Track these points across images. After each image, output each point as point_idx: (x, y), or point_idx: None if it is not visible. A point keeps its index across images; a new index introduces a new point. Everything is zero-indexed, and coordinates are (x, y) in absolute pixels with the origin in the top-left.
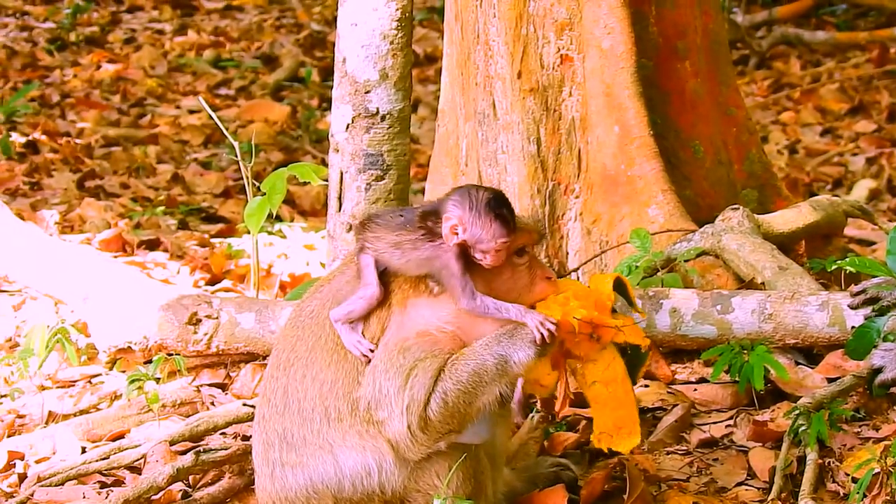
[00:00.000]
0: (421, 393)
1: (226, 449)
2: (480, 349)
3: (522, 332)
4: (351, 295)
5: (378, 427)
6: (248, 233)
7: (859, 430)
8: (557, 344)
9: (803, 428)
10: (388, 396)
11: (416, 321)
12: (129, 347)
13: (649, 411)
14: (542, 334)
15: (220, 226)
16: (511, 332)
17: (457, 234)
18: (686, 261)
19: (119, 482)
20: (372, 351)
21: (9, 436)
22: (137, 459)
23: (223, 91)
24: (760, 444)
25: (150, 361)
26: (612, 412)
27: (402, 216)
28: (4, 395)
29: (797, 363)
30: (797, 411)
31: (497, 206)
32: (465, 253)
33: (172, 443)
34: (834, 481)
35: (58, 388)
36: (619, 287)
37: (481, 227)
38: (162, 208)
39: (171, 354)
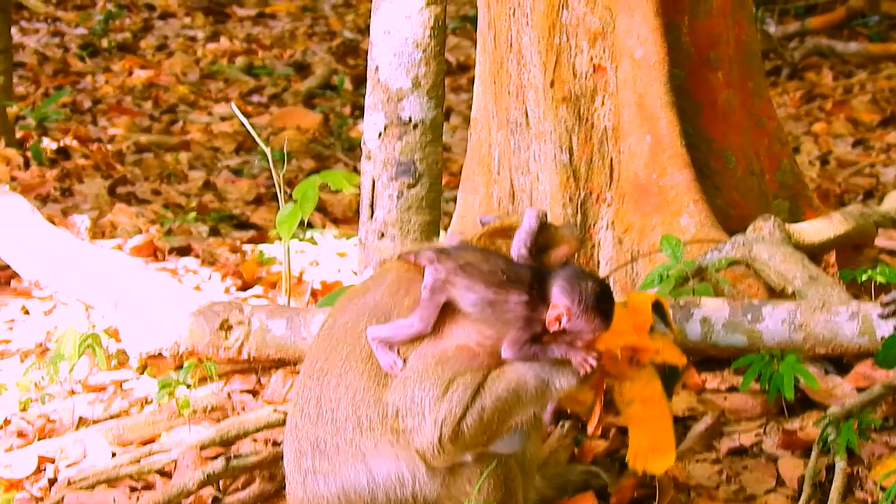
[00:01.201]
0: (459, 408)
1: (256, 454)
2: (523, 369)
3: (568, 355)
4: (394, 311)
5: (405, 435)
6: (280, 240)
7: (888, 439)
8: (599, 372)
9: (832, 437)
10: (421, 406)
11: (455, 334)
12: (160, 353)
13: (679, 420)
14: (585, 370)
15: (251, 232)
16: (557, 354)
17: (559, 322)
18: (717, 270)
19: (149, 486)
20: None
21: (39, 440)
22: (168, 464)
23: (255, 98)
24: (790, 452)
25: (180, 367)
26: (649, 432)
27: (504, 273)
28: (35, 400)
29: (827, 372)
30: (826, 420)
31: (605, 302)
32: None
33: (203, 448)
34: (862, 489)
35: (88, 392)
36: (657, 308)
37: (586, 322)
38: (193, 215)
39: (202, 360)
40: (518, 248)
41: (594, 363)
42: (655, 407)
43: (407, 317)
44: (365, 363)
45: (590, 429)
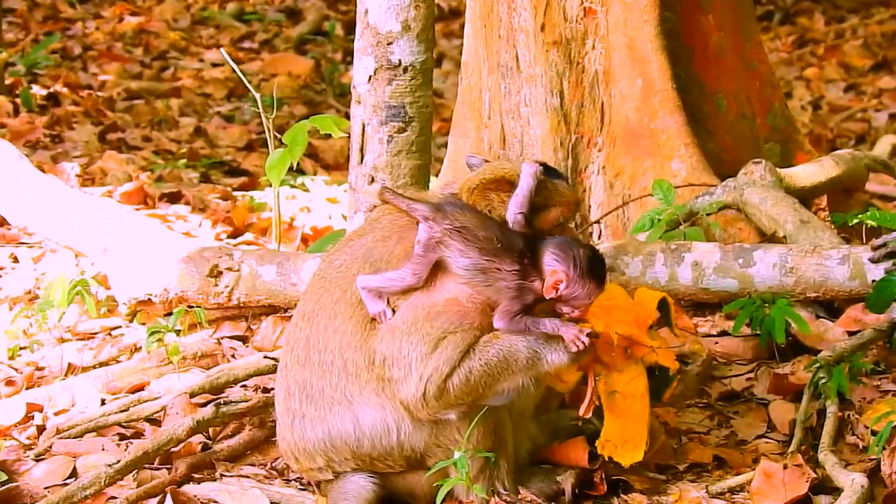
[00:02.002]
0: (446, 366)
1: (246, 401)
2: (516, 339)
3: (564, 331)
4: (385, 258)
5: (390, 385)
6: (270, 186)
7: (879, 383)
8: (591, 352)
9: (823, 381)
10: (409, 360)
11: (446, 289)
12: (150, 300)
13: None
14: (577, 347)
15: (242, 179)
16: (554, 328)
17: (557, 289)
18: (708, 214)
19: (138, 434)
20: None
21: (28, 388)
22: (157, 412)
23: (246, 44)
24: (781, 397)
25: (170, 314)
26: (623, 424)
27: (498, 242)
28: (24, 348)
29: (818, 316)
30: (817, 364)
31: (598, 266)
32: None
33: (192, 395)
34: (853, 434)
35: (77, 340)
36: (662, 306)
37: (581, 287)
38: (184, 161)
39: (192, 307)
40: (515, 211)
41: (586, 341)
42: (636, 403)
43: (398, 268)
44: (354, 308)
45: (581, 410)
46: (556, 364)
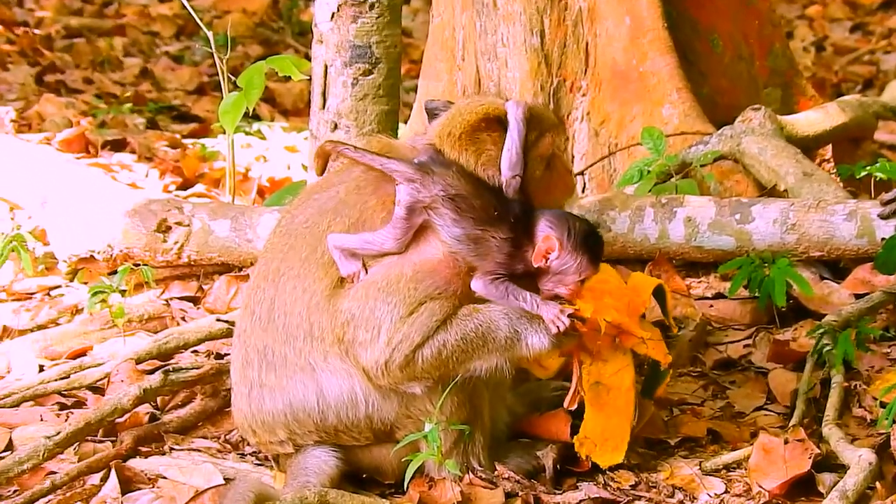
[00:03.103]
0: (418, 335)
1: (197, 368)
2: (497, 315)
3: (547, 312)
4: (359, 212)
5: (352, 347)
6: (223, 133)
7: (889, 350)
8: (576, 339)
9: (828, 348)
10: (379, 321)
11: (428, 248)
12: (92, 257)
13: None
14: (557, 328)
15: (192, 125)
16: (537, 307)
17: (548, 258)
18: (702, 165)
19: (80, 404)
20: None
21: None
22: (100, 379)
23: None
24: (781, 365)
25: (114, 272)
26: (605, 419)
27: (495, 210)
28: None
29: (822, 277)
30: (821, 330)
31: (594, 241)
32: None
33: (139, 361)
34: (860, 406)
35: (13, 300)
36: (658, 294)
37: (573, 260)
38: (129, 106)
39: (138, 265)
40: (509, 173)
41: (567, 322)
42: (620, 398)
43: (374, 225)
44: (326, 268)
45: (566, 401)
46: (537, 348)
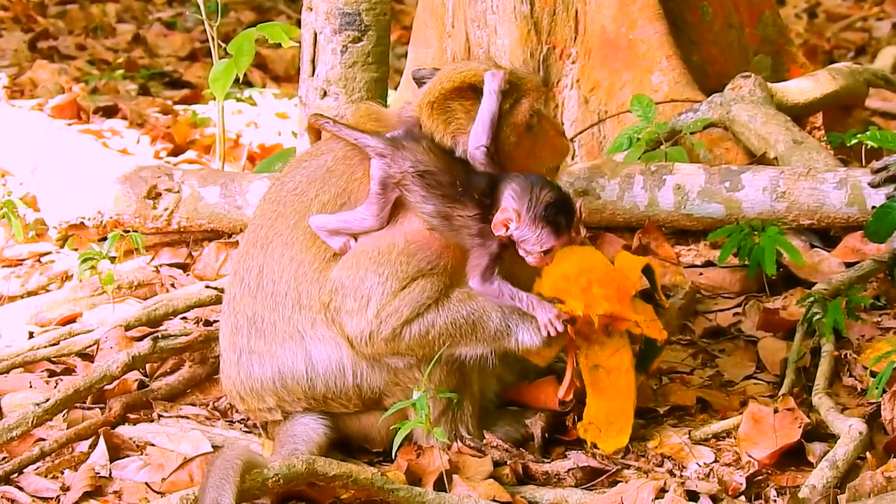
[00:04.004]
0: (407, 310)
1: (186, 335)
2: (490, 307)
3: (540, 311)
4: (346, 181)
5: (339, 315)
6: (214, 99)
7: (879, 319)
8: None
9: (818, 317)
10: (369, 292)
11: (414, 219)
12: (82, 223)
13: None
14: (549, 332)
15: (184, 91)
16: (529, 305)
17: (507, 227)
18: (692, 133)
19: (69, 370)
20: None
21: None
22: (90, 346)
23: None
24: (771, 334)
25: (104, 239)
26: (607, 403)
27: (460, 186)
28: None
29: (812, 246)
30: (811, 299)
31: (556, 212)
32: (506, 244)
33: (128, 328)
34: (851, 375)
35: (3, 267)
36: (647, 273)
37: (532, 231)
38: (121, 72)
39: (128, 231)
40: (475, 143)
41: (560, 327)
42: (620, 379)
43: (358, 204)
44: (314, 237)
45: (560, 393)
46: (527, 345)
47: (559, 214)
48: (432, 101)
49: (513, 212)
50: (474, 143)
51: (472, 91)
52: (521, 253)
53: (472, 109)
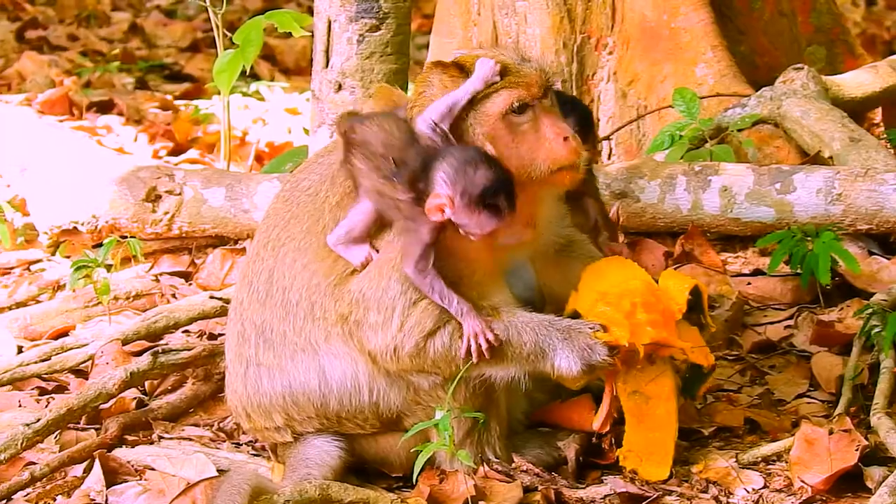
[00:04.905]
0: (429, 321)
1: (189, 349)
2: (522, 326)
3: (582, 337)
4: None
5: (360, 329)
6: (219, 93)
7: None
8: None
9: (877, 330)
10: (392, 302)
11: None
12: (75, 228)
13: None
14: (470, 345)
15: (185, 85)
16: (569, 330)
17: (442, 212)
18: (739, 130)
19: (62, 388)
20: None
21: None
22: (84, 361)
23: None
24: (825, 348)
25: (99, 245)
26: (647, 432)
27: (394, 165)
28: None
29: (870, 253)
30: (870, 310)
31: (493, 195)
32: (440, 232)
33: (125, 342)
34: None
35: None
36: (695, 294)
37: (469, 217)
38: (116, 64)
39: (125, 237)
40: (427, 115)
41: (602, 354)
42: (660, 407)
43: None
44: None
45: (596, 424)
46: (564, 372)
47: (496, 196)
48: (421, 73)
49: (445, 198)
50: (424, 115)
51: (456, 69)
52: (462, 233)
53: (450, 88)
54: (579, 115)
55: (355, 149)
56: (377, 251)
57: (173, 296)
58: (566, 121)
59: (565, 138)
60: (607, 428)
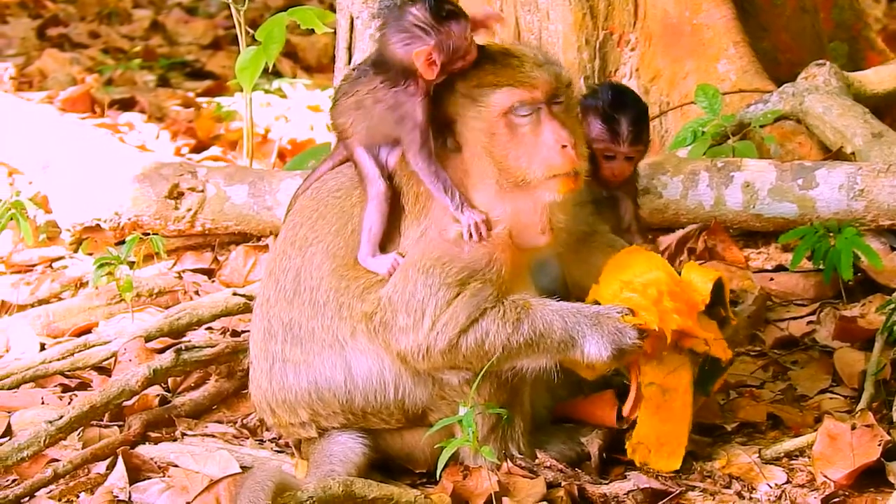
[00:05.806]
0: (463, 317)
1: (212, 346)
2: (551, 314)
3: (611, 322)
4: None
5: (386, 331)
6: (241, 91)
7: None
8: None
9: None
10: (422, 304)
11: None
12: (98, 225)
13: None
14: (472, 236)
15: (207, 83)
16: (598, 315)
17: (434, 61)
18: (762, 126)
19: (84, 385)
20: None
21: None
22: (107, 358)
23: None
24: (848, 344)
25: (122, 242)
26: (660, 424)
27: (354, 69)
28: None
29: (893, 248)
30: (892, 305)
31: (440, 7)
32: (430, 105)
33: (148, 339)
34: None
35: (12, 273)
36: (717, 287)
37: (449, 38)
38: (138, 61)
39: (148, 234)
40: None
41: (633, 336)
42: (677, 399)
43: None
44: (357, 249)
45: (626, 409)
46: (594, 358)
47: (442, 6)
48: None
49: (424, 47)
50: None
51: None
52: (458, 66)
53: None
54: (634, 112)
55: (334, 114)
56: (402, 257)
57: (196, 293)
58: (621, 116)
59: (563, 146)
60: (636, 414)
